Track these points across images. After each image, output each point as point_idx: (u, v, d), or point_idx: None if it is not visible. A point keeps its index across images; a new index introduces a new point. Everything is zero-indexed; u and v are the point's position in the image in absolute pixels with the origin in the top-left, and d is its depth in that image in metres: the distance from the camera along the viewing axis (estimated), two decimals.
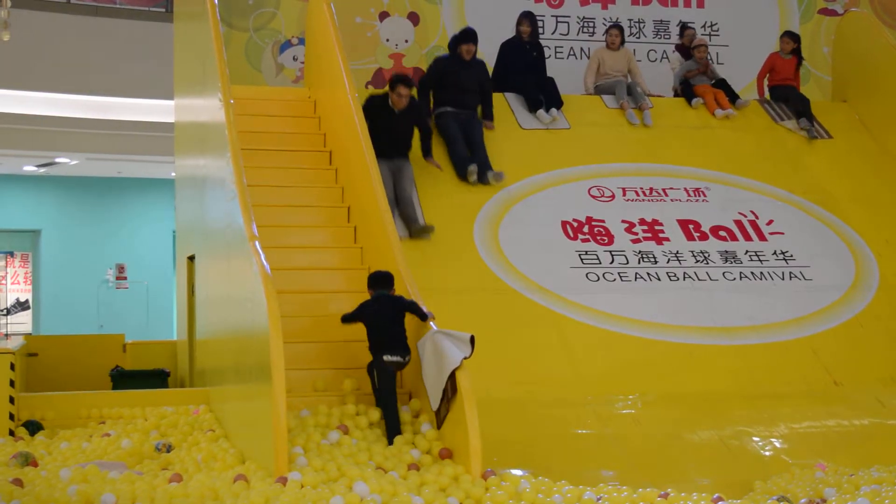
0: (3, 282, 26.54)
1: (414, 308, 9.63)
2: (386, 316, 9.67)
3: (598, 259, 11.96)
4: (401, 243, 10.50)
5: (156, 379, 13.78)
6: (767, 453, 9.77)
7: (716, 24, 16.53)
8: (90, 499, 7.55)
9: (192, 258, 13.39)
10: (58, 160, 23.41)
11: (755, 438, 10.02)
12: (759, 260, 12.28)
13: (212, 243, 11.63)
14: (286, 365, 8.45)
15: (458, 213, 12.16)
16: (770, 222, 12.78)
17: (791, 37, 14.68)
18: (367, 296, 9.97)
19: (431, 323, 9.33)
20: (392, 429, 9.32)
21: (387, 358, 9.51)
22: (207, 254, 11.99)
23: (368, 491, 7.74)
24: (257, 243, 9.20)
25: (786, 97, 14.39)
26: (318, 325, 10.49)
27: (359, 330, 9.89)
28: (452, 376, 8.79)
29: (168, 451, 9.63)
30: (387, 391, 9.48)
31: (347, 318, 9.87)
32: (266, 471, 8.29)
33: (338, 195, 12.00)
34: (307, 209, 11.70)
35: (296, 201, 11.78)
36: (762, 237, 12.58)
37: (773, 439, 10.04)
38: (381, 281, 9.94)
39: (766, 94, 14.60)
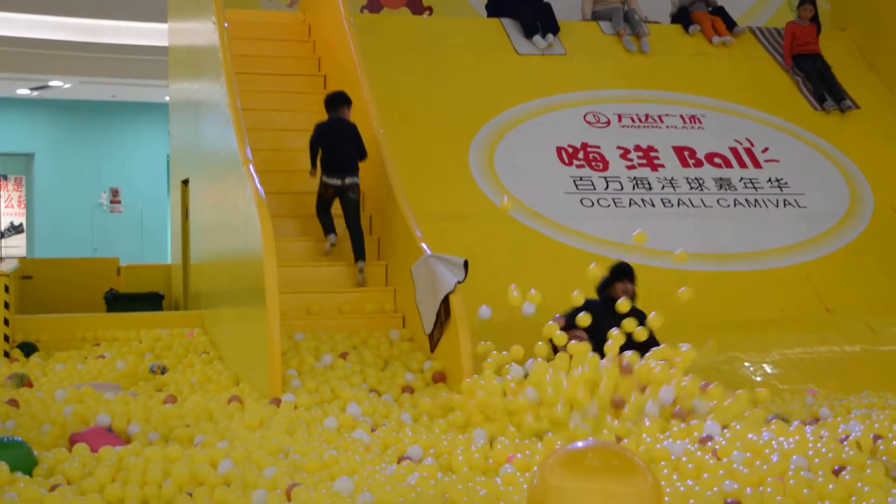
0: None
1: (358, 139, 10.37)
2: (334, 138, 10.21)
3: (592, 185, 11.95)
4: (394, 161, 10.44)
5: (150, 302, 13.80)
6: (759, 379, 9.83)
7: None
8: (85, 419, 7.58)
9: (186, 182, 13.36)
10: (51, 83, 23.27)
11: (747, 364, 10.07)
12: (754, 187, 12.27)
13: (206, 167, 11.60)
14: (280, 288, 8.47)
15: (454, 138, 12.12)
16: (765, 150, 12.76)
17: (811, 2, 14.43)
18: (363, 221, 10.00)
19: (425, 247, 9.32)
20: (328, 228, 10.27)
21: (324, 179, 10.24)
22: (201, 178, 11.97)
23: (361, 413, 7.78)
24: (251, 167, 9.17)
25: (808, 69, 14.04)
26: (314, 248, 10.50)
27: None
28: (446, 300, 8.81)
29: (163, 373, 9.67)
30: (319, 211, 10.36)
31: (312, 148, 10.43)
32: (260, 392, 8.33)
33: None
34: (302, 133, 11.64)
35: (290, 125, 11.74)
36: (757, 164, 12.56)
37: (764, 365, 10.10)
38: (334, 102, 10.48)
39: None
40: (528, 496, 4.59)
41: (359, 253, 10.21)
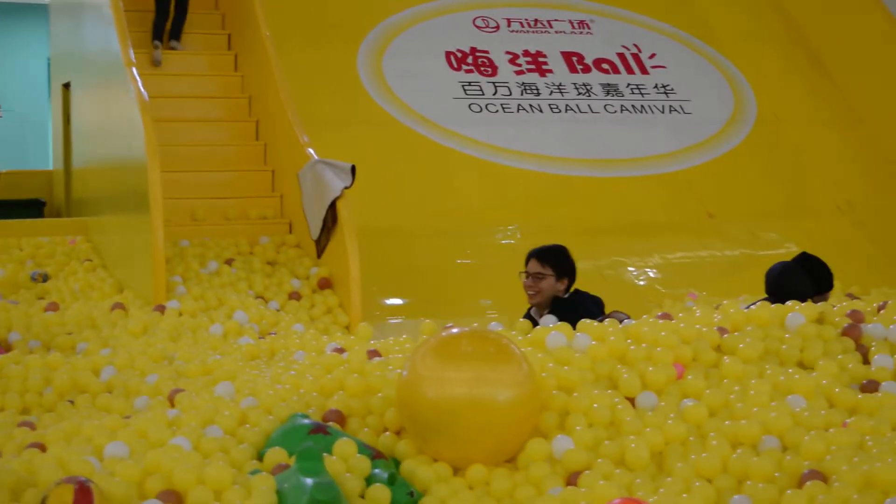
0: None
1: None
2: None
3: (481, 90, 11.94)
4: (280, 65, 10.29)
5: (31, 209, 13.53)
6: (642, 283, 9.99)
7: None
8: None
9: (67, 86, 13.06)
10: None
11: (630, 268, 10.23)
12: (641, 93, 12.36)
13: (88, 70, 11.36)
14: (164, 194, 8.37)
15: (342, 42, 11.99)
16: (652, 56, 12.83)
17: None
18: (241, 126, 9.89)
19: (312, 152, 9.26)
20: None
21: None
22: (84, 81, 11.72)
23: (248, 319, 7.76)
24: (134, 69, 9.00)
25: None
26: (199, 154, 10.38)
27: (242, 158, 9.79)
28: (333, 206, 8.77)
29: (44, 281, 9.53)
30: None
31: None
32: (144, 300, 8.27)
33: (217, 21, 11.75)
34: (186, 36, 11.44)
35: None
36: (644, 70, 12.64)
37: (647, 269, 10.27)
38: None
39: None
40: (398, 386, 4.59)
41: (175, 33, 10.70)
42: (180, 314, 7.83)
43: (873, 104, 12.50)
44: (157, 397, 5.42)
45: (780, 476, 4.14)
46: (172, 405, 5.23)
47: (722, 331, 5.22)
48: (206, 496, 4.00)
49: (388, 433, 4.68)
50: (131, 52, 9.23)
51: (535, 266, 6.39)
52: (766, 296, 6.32)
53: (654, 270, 10.26)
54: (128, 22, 9.66)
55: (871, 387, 4.83)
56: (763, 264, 10.54)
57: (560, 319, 5.66)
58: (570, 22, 13.00)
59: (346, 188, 8.77)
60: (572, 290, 6.49)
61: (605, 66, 12.60)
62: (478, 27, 12.69)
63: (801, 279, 6.26)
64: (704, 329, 5.19)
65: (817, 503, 3.86)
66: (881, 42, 12.68)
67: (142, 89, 8.77)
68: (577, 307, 6.29)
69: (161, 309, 7.86)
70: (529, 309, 6.57)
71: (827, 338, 5.20)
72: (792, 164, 12.09)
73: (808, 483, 3.98)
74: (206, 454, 4.43)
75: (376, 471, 4.32)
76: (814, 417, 4.48)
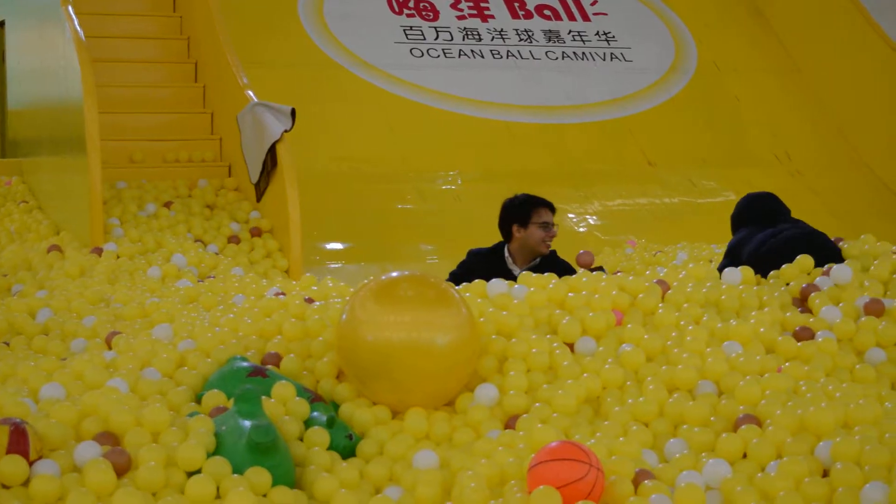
0: None
1: None
2: None
3: (422, 35, 11.88)
4: (219, 6, 10.16)
5: None
6: (582, 230, 10.04)
7: None
8: None
9: (1, 25, 12.84)
10: None
11: (570, 215, 10.26)
12: (582, 40, 12.34)
13: (23, 8, 11.16)
14: (102, 136, 8.27)
15: None
16: (594, 2, 12.81)
17: None
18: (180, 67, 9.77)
19: (251, 95, 9.16)
20: None
21: None
22: (18, 19, 11.52)
23: (186, 263, 7.70)
24: (70, 8, 8.85)
25: None
26: (137, 96, 10.26)
27: (181, 100, 9.69)
28: (272, 149, 8.70)
29: None
30: None
31: None
32: (81, 242, 8.18)
33: None
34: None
35: None
36: (586, 17, 12.62)
37: (587, 216, 10.31)
38: None
39: None
40: (337, 329, 4.59)
41: None
42: (118, 257, 7.75)
43: (812, 54, 12.57)
44: (94, 340, 5.37)
45: (716, 420, 4.20)
46: (110, 347, 5.19)
47: (662, 283, 5.27)
48: (144, 438, 3.99)
49: (326, 377, 4.68)
50: None
51: (551, 216, 6.27)
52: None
53: (595, 217, 10.31)
54: None
55: (804, 334, 4.90)
56: (702, 212, 10.71)
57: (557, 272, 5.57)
58: None
59: (286, 131, 8.69)
60: None
61: (546, 12, 12.56)
62: None
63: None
64: (646, 283, 5.23)
65: (752, 447, 3.92)
66: None
67: (78, 28, 8.63)
68: (562, 264, 6.29)
69: (98, 251, 7.79)
70: (474, 260, 6.41)
71: (764, 292, 5.28)
72: (731, 113, 12.16)
73: (742, 427, 4.04)
74: (144, 396, 4.41)
75: (315, 414, 4.32)
76: (749, 363, 4.54)
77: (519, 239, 6.24)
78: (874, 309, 5.04)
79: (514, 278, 5.41)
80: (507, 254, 6.27)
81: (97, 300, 6.28)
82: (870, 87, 11.72)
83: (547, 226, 6.21)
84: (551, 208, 6.30)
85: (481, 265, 6.17)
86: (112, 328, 5.51)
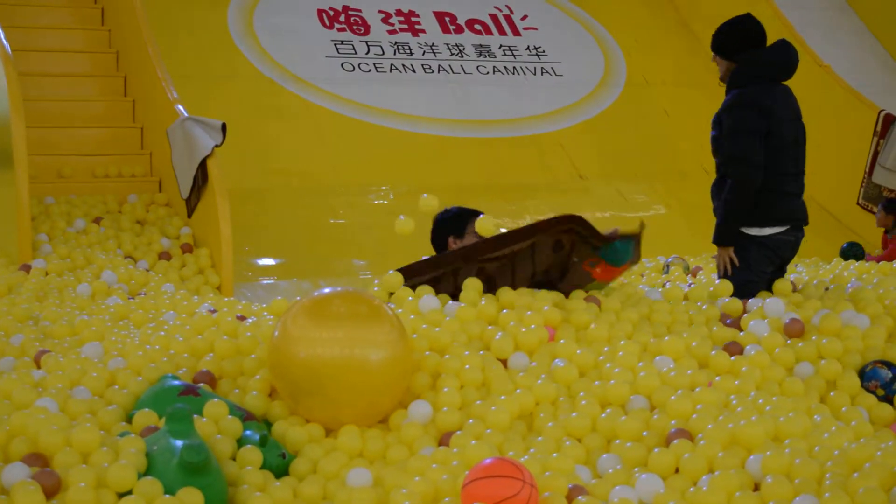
0: None
1: None
2: None
3: (353, 49, 11.87)
4: (148, 19, 10.08)
5: None
6: None
7: None
8: None
9: None
10: None
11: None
12: (513, 55, 12.41)
13: None
14: (30, 150, 8.19)
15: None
16: (524, 17, 12.89)
17: None
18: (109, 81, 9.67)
19: (181, 109, 9.10)
20: None
21: None
22: None
23: (116, 279, 7.62)
24: None
25: None
26: (66, 110, 10.15)
27: (110, 114, 9.60)
28: (203, 164, 8.64)
29: None
30: None
31: None
32: (8, 258, 8.08)
33: None
34: None
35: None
36: (516, 32, 12.69)
37: None
38: None
39: None
40: (270, 346, 4.56)
41: None
42: (46, 273, 7.67)
43: None
44: (22, 358, 5.30)
45: (648, 435, 4.22)
46: (38, 366, 5.13)
47: (593, 299, 5.31)
48: (74, 459, 3.93)
49: (257, 393, 4.65)
50: None
51: None
52: None
53: None
54: None
55: (734, 349, 4.96)
56: (632, 224, 10.75)
57: None
58: None
59: (217, 146, 8.64)
60: None
61: (477, 27, 12.62)
62: None
63: None
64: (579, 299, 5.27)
65: (684, 461, 3.95)
66: (747, 6, 12.87)
67: (4, 42, 8.54)
68: None
69: (26, 268, 7.70)
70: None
71: (694, 307, 5.34)
72: (660, 126, 12.28)
73: (674, 441, 4.07)
74: (73, 416, 4.36)
75: (248, 432, 4.29)
76: (680, 377, 4.57)
77: None
78: (793, 329, 5.11)
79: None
80: None
81: (25, 318, 6.21)
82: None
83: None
84: None
85: None
86: (40, 346, 5.45)
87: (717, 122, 6.18)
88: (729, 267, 5.97)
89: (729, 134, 6.04)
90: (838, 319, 5.15)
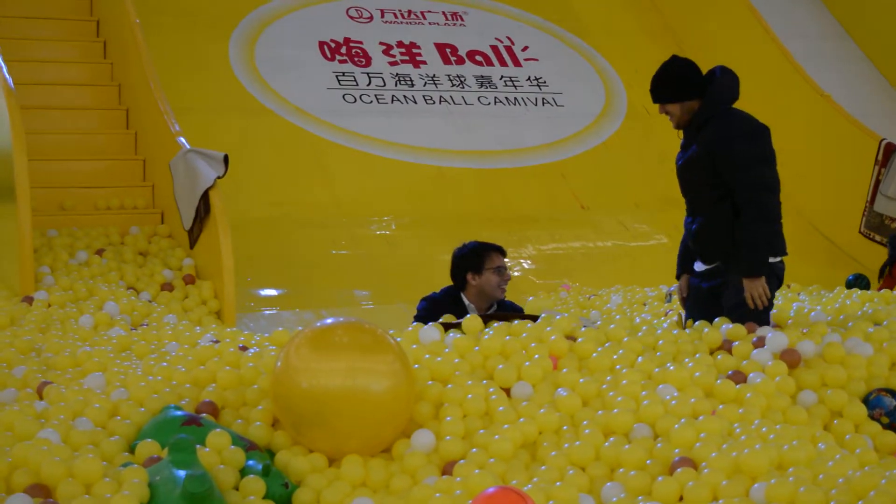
0: None
1: None
2: None
3: (355, 81, 11.91)
4: (150, 53, 10.12)
5: None
6: (517, 274, 10.06)
7: None
8: None
9: None
10: None
11: (505, 260, 10.27)
12: (514, 85, 12.44)
13: None
14: (32, 183, 8.20)
15: (212, 31, 11.86)
16: (525, 48, 12.93)
17: None
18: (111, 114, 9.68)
19: (183, 141, 9.12)
20: None
21: None
22: None
23: (118, 311, 7.63)
24: None
25: None
26: (68, 143, 10.17)
27: (112, 147, 9.62)
28: (205, 196, 8.65)
29: None
30: None
31: None
32: (11, 290, 8.08)
33: (86, 7, 11.52)
34: (52, 21, 11.21)
35: (36, 13, 11.24)
36: (517, 63, 12.73)
37: (521, 261, 10.35)
38: None
39: None
40: (272, 377, 4.55)
41: None
42: (49, 305, 7.67)
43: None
44: (24, 390, 5.30)
45: (652, 463, 4.21)
46: (41, 398, 5.13)
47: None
48: (76, 490, 3.93)
49: (260, 424, 4.65)
50: None
51: (503, 261, 6.31)
52: None
53: (529, 261, 10.35)
54: None
55: (737, 377, 4.95)
56: (634, 255, 10.79)
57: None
58: (444, 13, 13.04)
59: (219, 178, 8.65)
60: None
61: (478, 58, 12.66)
62: (351, 17, 12.66)
63: None
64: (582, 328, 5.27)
65: (688, 490, 3.94)
66: (746, 36, 12.94)
67: (7, 76, 8.56)
68: (510, 306, 6.34)
69: (29, 300, 7.69)
70: (431, 303, 6.37)
71: (698, 336, 5.35)
72: (662, 156, 12.27)
73: (678, 470, 4.06)
74: (76, 447, 4.35)
75: (250, 462, 4.29)
76: (683, 406, 4.56)
77: (475, 286, 6.28)
78: (790, 359, 5.08)
79: None
80: (466, 301, 6.29)
81: (27, 349, 6.21)
82: (797, 130, 11.87)
83: (501, 270, 6.27)
84: (502, 252, 6.36)
85: (446, 310, 6.08)
86: (43, 378, 5.45)
87: (726, 152, 5.97)
88: (765, 298, 5.60)
89: (756, 163, 5.80)
90: (842, 348, 5.14)
